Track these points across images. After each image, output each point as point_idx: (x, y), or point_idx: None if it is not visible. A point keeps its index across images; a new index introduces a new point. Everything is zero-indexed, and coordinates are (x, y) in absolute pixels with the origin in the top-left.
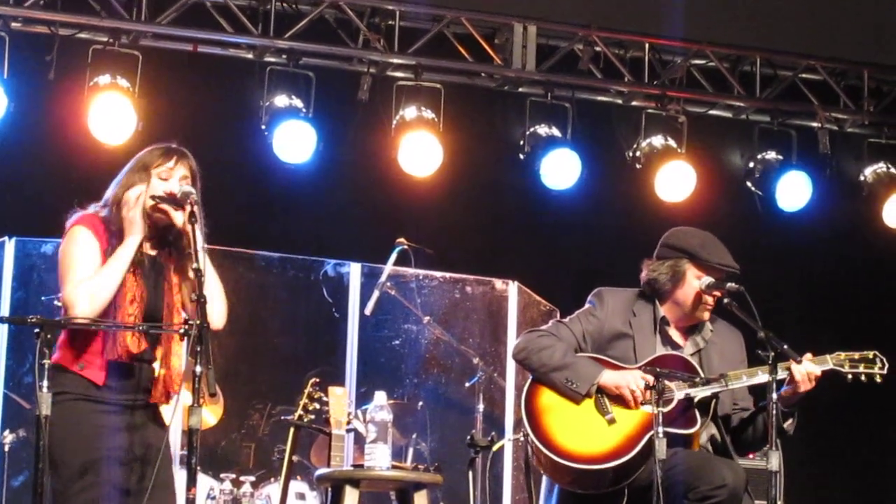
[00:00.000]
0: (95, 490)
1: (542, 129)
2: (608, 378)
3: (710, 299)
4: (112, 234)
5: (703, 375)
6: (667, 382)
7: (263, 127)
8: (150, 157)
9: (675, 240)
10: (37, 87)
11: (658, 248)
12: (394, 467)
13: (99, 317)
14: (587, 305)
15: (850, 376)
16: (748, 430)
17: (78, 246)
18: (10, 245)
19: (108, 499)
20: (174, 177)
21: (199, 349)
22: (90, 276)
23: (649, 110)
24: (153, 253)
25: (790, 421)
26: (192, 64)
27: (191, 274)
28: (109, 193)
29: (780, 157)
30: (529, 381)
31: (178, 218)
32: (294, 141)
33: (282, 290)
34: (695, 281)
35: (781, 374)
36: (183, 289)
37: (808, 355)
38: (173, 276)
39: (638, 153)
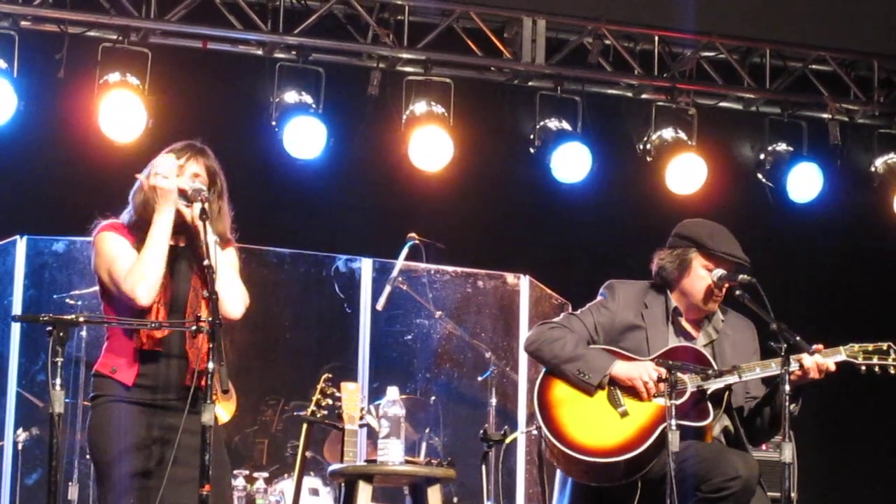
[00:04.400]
0: (135, 489)
1: (553, 123)
2: (620, 369)
3: (719, 291)
4: (136, 233)
5: (715, 367)
6: (679, 375)
7: (273, 123)
8: (169, 154)
9: (685, 229)
10: (47, 86)
11: (669, 238)
12: (407, 462)
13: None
14: (599, 298)
15: (863, 368)
16: (757, 420)
17: (111, 247)
18: (21, 243)
19: (147, 498)
20: (185, 174)
21: (211, 346)
22: (135, 262)
23: (659, 103)
24: (174, 243)
25: (795, 404)
26: (201, 61)
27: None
28: (131, 196)
29: (791, 148)
30: (542, 373)
31: (189, 214)
32: (304, 137)
33: (294, 285)
34: (701, 270)
35: (794, 366)
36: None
37: (819, 346)
38: (194, 268)
39: (648, 146)
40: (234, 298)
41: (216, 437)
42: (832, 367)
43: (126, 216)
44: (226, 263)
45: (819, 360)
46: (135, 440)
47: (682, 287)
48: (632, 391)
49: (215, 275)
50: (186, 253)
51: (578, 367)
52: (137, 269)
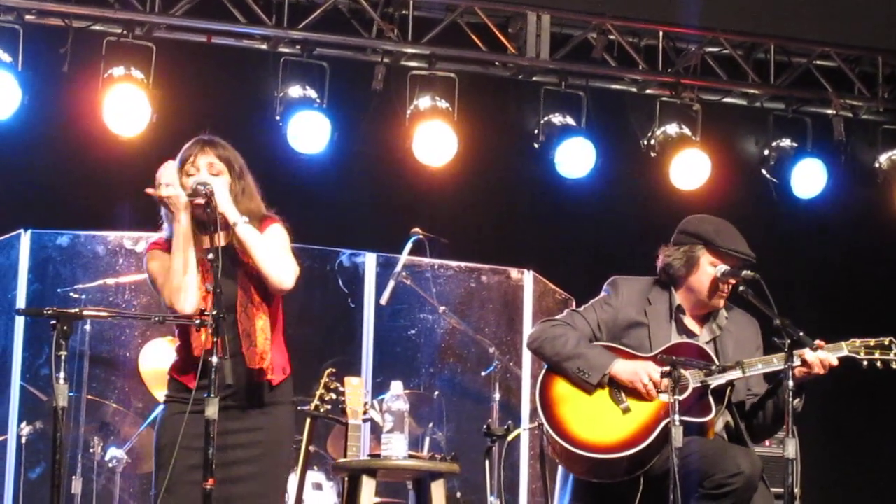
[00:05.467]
0: (186, 486)
1: (557, 118)
2: (620, 368)
3: (724, 287)
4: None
5: (718, 363)
6: (682, 371)
7: (278, 118)
8: (180, 156)
9: (691, 226)
10: (51, 80)
11: (674, 235)
12: (410, 457)
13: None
14: (602, 294)
15: (865, 363)
16: (758, 415)
17: (151, 266)
18: (25, 237)
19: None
20: (200, 169)
21: (215, 340)
22: (166, 279)
23: (664, 98)
24: (221, 244)
25: (798, 399)
26: (206, 55)
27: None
28: (160, 212)
29: (795, 144)
30: (544, 370)
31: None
32: (308, 131)
33: (297, 280)
34: (709, 267)
35: (797, 362)
36: (253, 283)
37: (821, 342)
38: (242, 272)
39: (652, 141)
40: (280, 270)
41: (280, 432)
42: (835, 363)
43: (165, 232)
44: (265, 239)
45: (822, 356)
46: (190, 441)
47: (690, 284)
48: (633, 389)
49: (219, 269)
50: (230, 251)
51: (579, 366)
52: (169, 283)
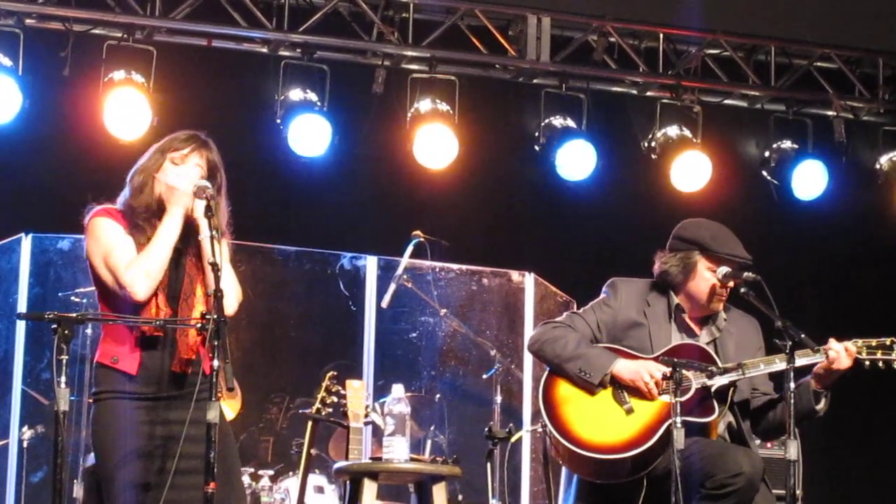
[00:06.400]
0: (141, 492)
1: (557, 121)
2: (622, 367)
3: (723, 290)
4: (129, 219)
5: (720, 364)
6: (684, 372)
7: (278, 121)
8: (170, 142)
9: (686, 231)
10: (52, 84)
11: (670, 241)
12: (412, 460)
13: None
14: (601, 296)
15: (867, 363)
16: (769, 415)
17: (108, 234)
18: (26, 241)
19: (149, 497)
20: (188, 164)
21: (216, 343)
22: (139, 256)
23: (664, 100)
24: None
25: (823, 402)
26: (206, 58)
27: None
28: (129, 178)
29: (796, 146)
30: (547, 372)
31: (191, 207)
32: (309, 134)
33: (298, 283)
34: (706, 272)
35: (799, 362)
36: (201, 278)
37: (832, 340)
38: (192, 264)
39: (653, 143)
40: (227, 296)
41: (225, 432)
42: (854, 350)
43: (121, 201)
44: (224, 257)
45: (846, 344)
46: (140, 442)
47: (688, 289)
48: (635, 389)
49: (220, 272)
50: (182, 242)
51: (580, 366)
52: (141, 265)
